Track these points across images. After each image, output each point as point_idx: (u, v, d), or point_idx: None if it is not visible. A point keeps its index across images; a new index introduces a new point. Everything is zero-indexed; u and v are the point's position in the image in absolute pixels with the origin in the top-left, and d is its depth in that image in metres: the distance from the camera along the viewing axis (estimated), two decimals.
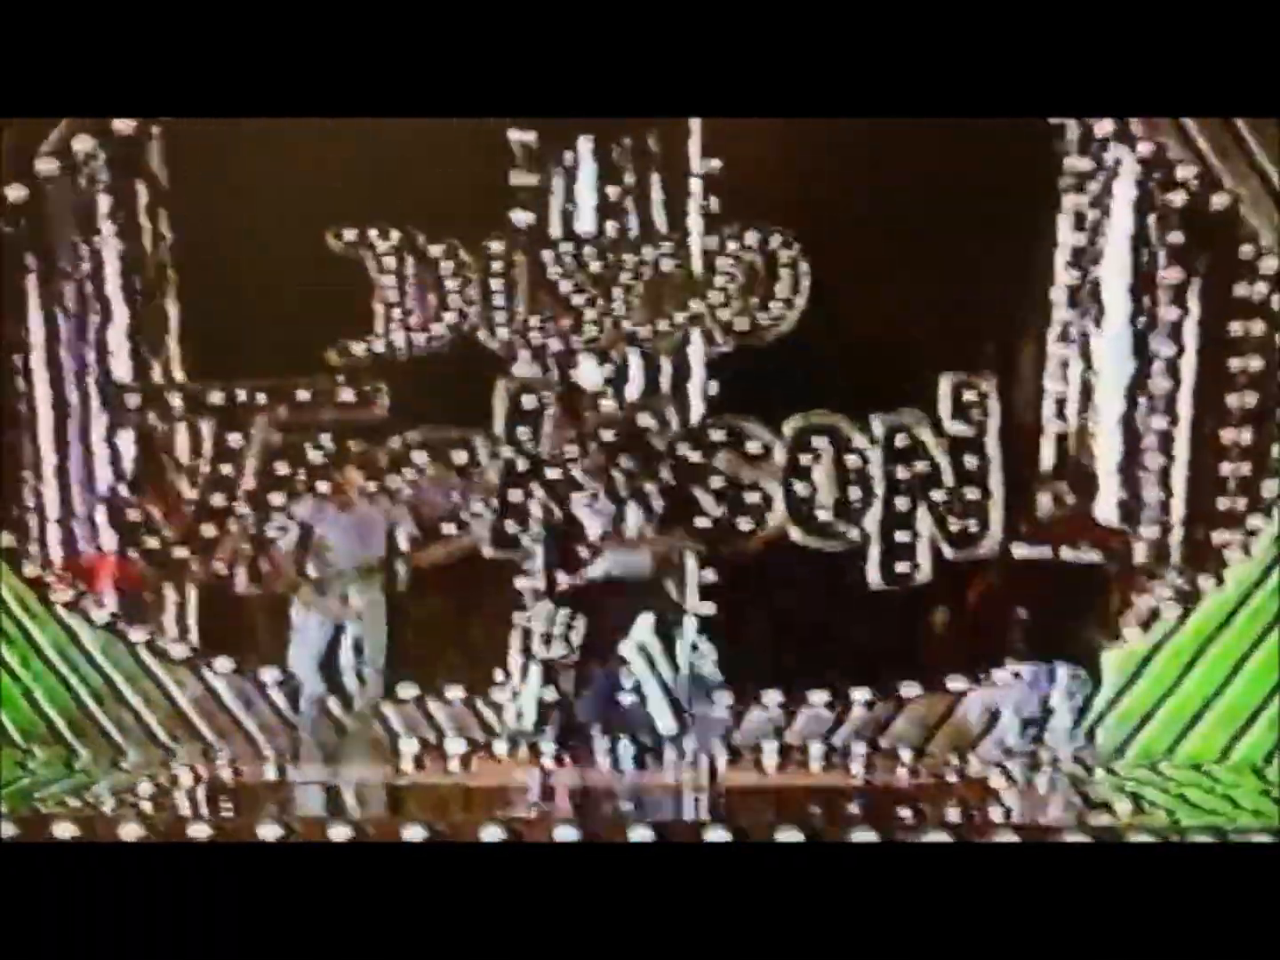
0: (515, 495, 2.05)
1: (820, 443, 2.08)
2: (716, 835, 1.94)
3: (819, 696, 2.07)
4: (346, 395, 2.03)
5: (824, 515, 2.10)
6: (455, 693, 2.30)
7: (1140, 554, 2.14)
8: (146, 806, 2.00)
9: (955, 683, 2.10)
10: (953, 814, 2.02)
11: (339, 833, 1.96)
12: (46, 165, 1.99)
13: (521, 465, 2.04)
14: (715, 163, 1.99)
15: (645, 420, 2.05)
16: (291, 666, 2.12)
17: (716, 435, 2.05)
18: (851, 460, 2.08)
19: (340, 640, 2.17)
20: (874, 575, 2.08)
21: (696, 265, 2.04)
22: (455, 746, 2.08)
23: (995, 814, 2.04)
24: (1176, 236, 2.06)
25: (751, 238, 2.05)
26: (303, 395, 2.04)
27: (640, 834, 1.92)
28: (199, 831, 1.98)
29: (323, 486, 2.06)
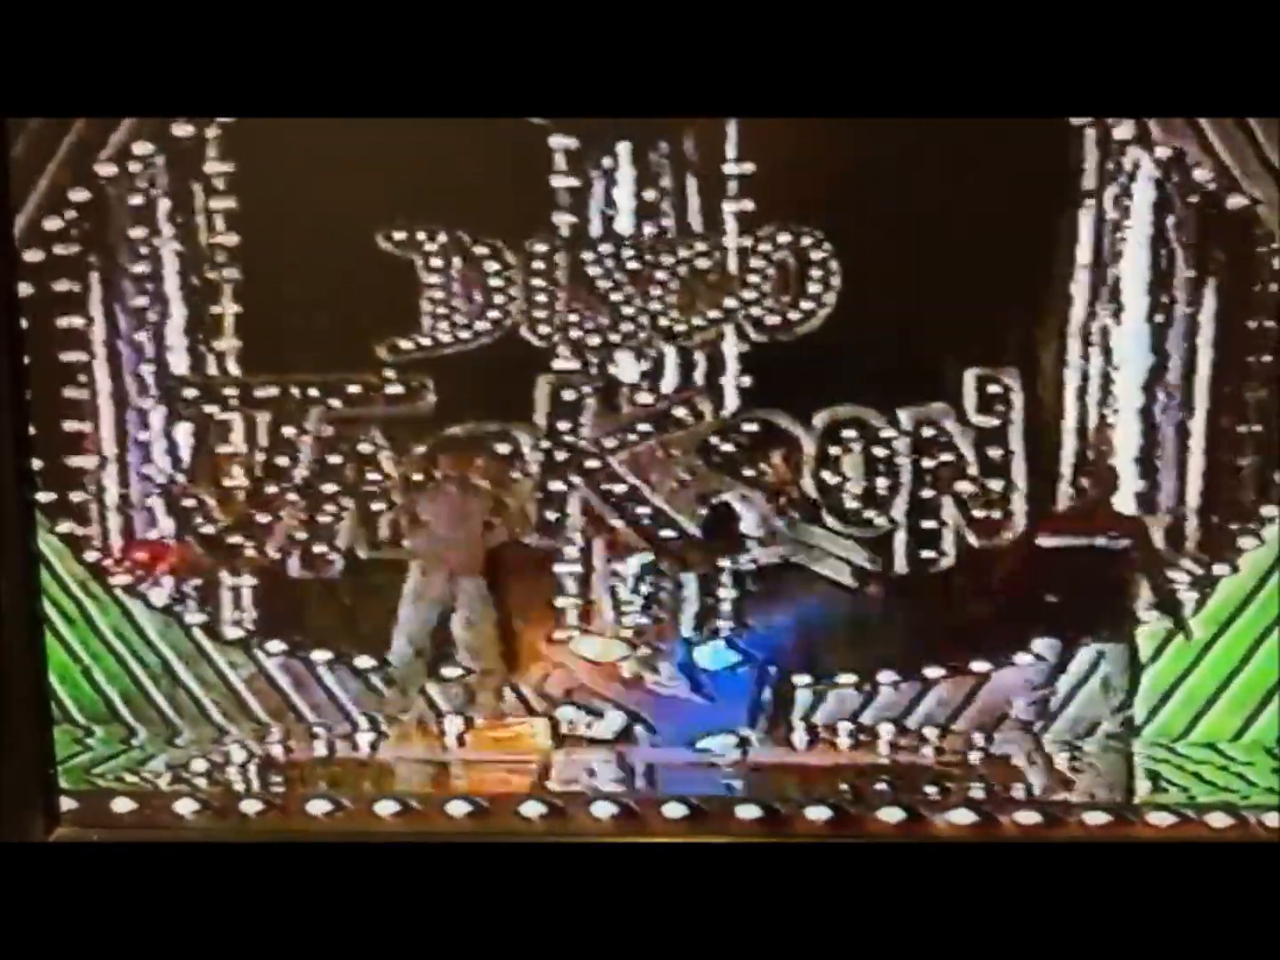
0: (556, 485, 2.11)
1: (849, 434, 2.13)
2: (747, 811, 2.03)
3: (847, 678, 2.13)
4: (395, 389, 2.09)
5: (852, 504, 2.16)
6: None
7: (1158, 541, 2.19)
8: (201, 782, 2.08)
9: (979, 664, 2.16)
10: (977, 792, 2.09)
11: (385, 807, 2.04)
12: (106, 169, 2.06)
13: (561, 456, 2.10)
14: (749, 166, 2.03)
15: (680, 413, 2.11)
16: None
17: (749, 427, 2.11)
18: (879, 451, 2.13)
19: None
20: (900, 562, 2.13)
21: (731, 264, 2.09)
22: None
23: (1018, 792, 2.12)
24: (1193, 236, 2.10)
25: (784, 238, 2.09)
26: (353, 389, 2.09)
27: (673, 809, 2.01)
28: (250, 806, 2.06)
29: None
